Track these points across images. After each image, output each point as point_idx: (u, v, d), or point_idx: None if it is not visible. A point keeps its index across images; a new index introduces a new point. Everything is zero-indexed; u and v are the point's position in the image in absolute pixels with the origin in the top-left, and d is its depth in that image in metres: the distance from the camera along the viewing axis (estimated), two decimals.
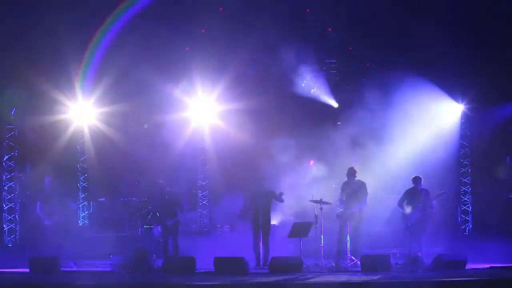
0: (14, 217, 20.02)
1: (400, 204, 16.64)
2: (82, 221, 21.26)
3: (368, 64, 20.88)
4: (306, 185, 18.52)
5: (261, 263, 16.32)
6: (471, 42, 19.24)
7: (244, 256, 15.70)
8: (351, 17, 20.28)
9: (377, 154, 20.15)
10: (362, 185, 16.70)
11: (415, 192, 16.52)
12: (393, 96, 19.73)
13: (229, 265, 15.30)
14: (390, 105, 20.11)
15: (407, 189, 16.74)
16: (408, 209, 16.40)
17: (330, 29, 21.00)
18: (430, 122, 19.93)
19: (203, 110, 21.11)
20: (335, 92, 21.36)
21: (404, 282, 13.58)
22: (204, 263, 15.80)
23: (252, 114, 20.93)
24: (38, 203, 17.16)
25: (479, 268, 15.35)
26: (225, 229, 19.58)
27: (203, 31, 21.12)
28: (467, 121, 20.49)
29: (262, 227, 16.39)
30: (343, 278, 14.34)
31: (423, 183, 16.63)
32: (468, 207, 20.61)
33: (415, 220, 16.37)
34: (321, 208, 16.18)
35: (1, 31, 19.04)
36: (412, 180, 16.69)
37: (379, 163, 20.06)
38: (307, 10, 20.94)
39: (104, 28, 19.58)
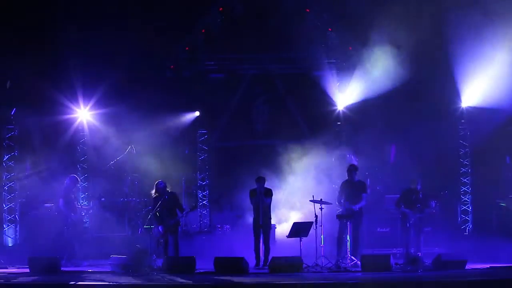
0: (14, 217, 20.02)
1: (398, 203, 16.65)
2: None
3: (368, 64, 20.86)
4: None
5: (261, 263, 16.32)
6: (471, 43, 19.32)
7: (244, 256, 15.73)
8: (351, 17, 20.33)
9: (376, 153, 20.19)
10: (362, 185, 16.70)
11: (413, 193, 16.53)
12: (393, 95, 19.77)
13: (229, 265, 15.30)
14: (390, 104, 20.18)
15: (404, 189, 16.76)
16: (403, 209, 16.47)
17: (330, 29, 20.98)
18: (430, 120, 19.94)
19: None
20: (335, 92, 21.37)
21: (404, 282, 13.57)
22: (204, 263, 15.81)
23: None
24: (61, 200, 17.22)
25: (479, 268, 15.35)
26: (225, 229, 19.56)
27: (203, 31, 21.16)
28: (467, 121, 20.51)
29: (263, 227, 16.39)
30: (343, 278, 14.33)
31: (422, 183, 16.68)
32: (468, 207, 20.61)
33: (415, 220, 16.38)
34: (321, 208, 16.18)
35: (2, 31, 19.08)
36: (410, 180, 16.72)
37: (379, 163, 20.10)
38: (307, 10, 20.92)
39: None
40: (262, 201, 16.33)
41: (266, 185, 16.67)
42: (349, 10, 20.00)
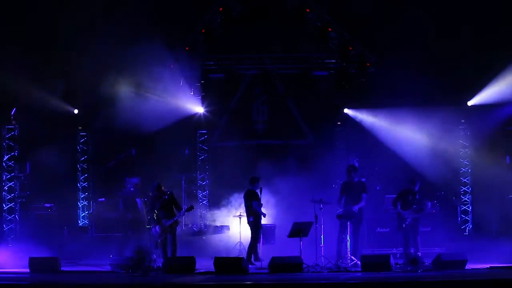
0: (14, 217, 20.01)
1: (394, 203, 16.67)
2: (82, 221, 21.28)
3: (368, 64, 20.88)
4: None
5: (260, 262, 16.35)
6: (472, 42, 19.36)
7: (243, 256, 15.73)
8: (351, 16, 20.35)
9: (377, 153, 20.19)
10: (362, 185, 16.70)
11: (410, 193, 16.54)
12: (393, 95, 19.77)
13: (229, 265, 15.30)
14: (390, 104, 20.19)
15: (402, 189, 16.77)
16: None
17: (330, 29, 20.98)
18: (431, 121, 19.95)
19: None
20: (334, 92, 21.38)
21: (404, 282, 13.56)
22: (204, 263, 15.81)
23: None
24: (138, 200, 17.25)
25: (479, 268, 15.35)
26: (225, 229, 19.56)
27: (203, 31, 21.14)
28: (467, 121, 20.53)
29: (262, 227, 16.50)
30: (343, 278, 14.34)
31: (422, 184, 16.71)
32: (468, 207, 20.61)
33: (411, 221, 16.40)
34: (321, 208, 16.18)
35: (3, 31, 19.11)
36: (409, 181, 16.72)
37: (379, 163, 20.10)
38: (307, 10, 20.93)
39: None
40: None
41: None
42: (349, 10, 20.07)
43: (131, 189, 17.66)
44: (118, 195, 18.39)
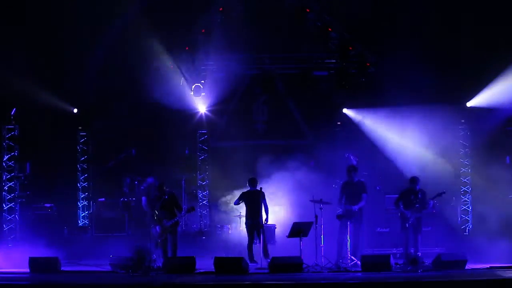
0: (14, 217, 20.01)
1: (396, 204, 16.67)
2: (82, 221, 21.28)
3: (368, 64, 20.89)
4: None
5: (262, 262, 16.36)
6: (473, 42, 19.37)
7: (243, 256, 15.72)
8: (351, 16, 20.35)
9: (377, 153, 20.20)
10: (362, 185, 16.72)
11: (412, 193, 16.55)
12: (393, 95, 19.77)
13: (229, 265, 15.30)
14: (390, 104, 20.20)
15: (404, 189, 16.77)
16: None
17: (330, 29, 20.99)
18: (431, 121, 19.95)
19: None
20: (334, 92, 21.38)
21: (404, 282, 13.57)
22: (204, 263, 15.81)
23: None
24: (144, 198, 17.26)
25: (479, 268, 15.36)
26: (225, 229, 19.55)
27: (203, 31, 21.13)
28: (467, 121, 20.53)
29: (261, 227, 16.50)
30: (343, 278, 14.34)
31: (422, 184, 16.72)
32: (468, 207, 20.61)
33: (414, 220, 16.40)
34: (321, 208, 16.18)
35: (2, 31, 19.12)
36: (410, 180, 16.73)
37: (379, 163, 20.10)
38: (307, 10, 20.93)
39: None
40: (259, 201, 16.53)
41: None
42: (349, 10, 20.07)
43: (142, 187, 17.72)
44: (139, 194, 18.39)
